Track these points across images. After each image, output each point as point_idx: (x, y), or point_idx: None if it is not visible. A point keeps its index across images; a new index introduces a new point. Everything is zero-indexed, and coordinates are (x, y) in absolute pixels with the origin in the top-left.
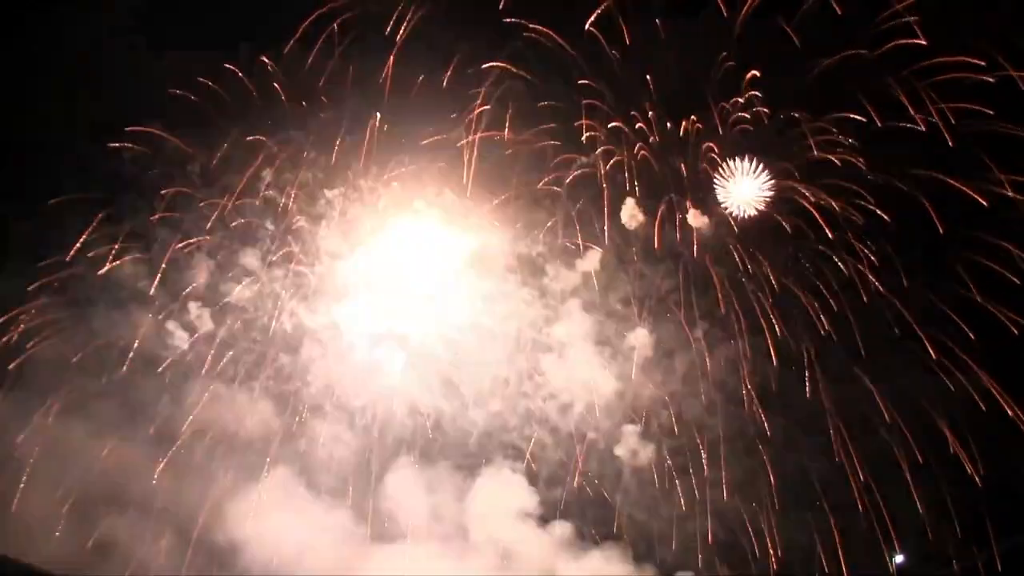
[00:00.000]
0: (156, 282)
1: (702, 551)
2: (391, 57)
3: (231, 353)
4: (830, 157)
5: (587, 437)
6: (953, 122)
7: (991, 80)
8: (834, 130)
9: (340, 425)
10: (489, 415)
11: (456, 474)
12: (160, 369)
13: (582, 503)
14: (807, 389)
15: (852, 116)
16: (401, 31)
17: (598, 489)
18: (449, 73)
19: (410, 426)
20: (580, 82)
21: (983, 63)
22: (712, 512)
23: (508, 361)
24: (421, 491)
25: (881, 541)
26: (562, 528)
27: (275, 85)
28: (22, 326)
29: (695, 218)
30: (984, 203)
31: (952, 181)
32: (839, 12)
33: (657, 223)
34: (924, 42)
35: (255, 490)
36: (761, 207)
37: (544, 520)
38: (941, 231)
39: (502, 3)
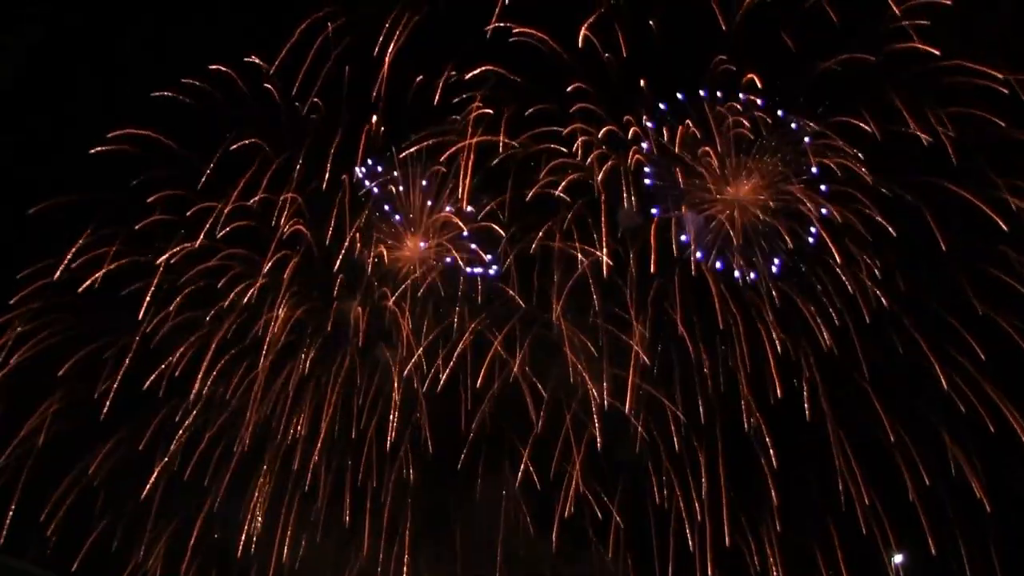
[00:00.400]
0: (152, 287)
1: (700, 565)
2: (386, 61)
3: (227, 358)
4: (830, 164)
5: (584, 443)
6: (952, 134)
7: (1004, 91)
8: (829, 133)
9: (337, 427)
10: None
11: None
12: (155, 374)
13: (580, 512)
14: (807, 409)
15: (853, 121)
16: (396, 36)
17: (597, 498)
18: (444, 78)
19: (406, 428)
20: (574, 86)
21: (999, 75)
22: (711, 526)
23: (505, 365)
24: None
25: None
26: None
27: (268, 87)
28: (19, 328)
29: (692, 222)
30: (1005, 227)
31: (954, 187)
32: (835, 18)
33: (653, 229)
34: (935, 51)
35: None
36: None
37: (542, 525)
38: (944, 248)
39: (497, 8)
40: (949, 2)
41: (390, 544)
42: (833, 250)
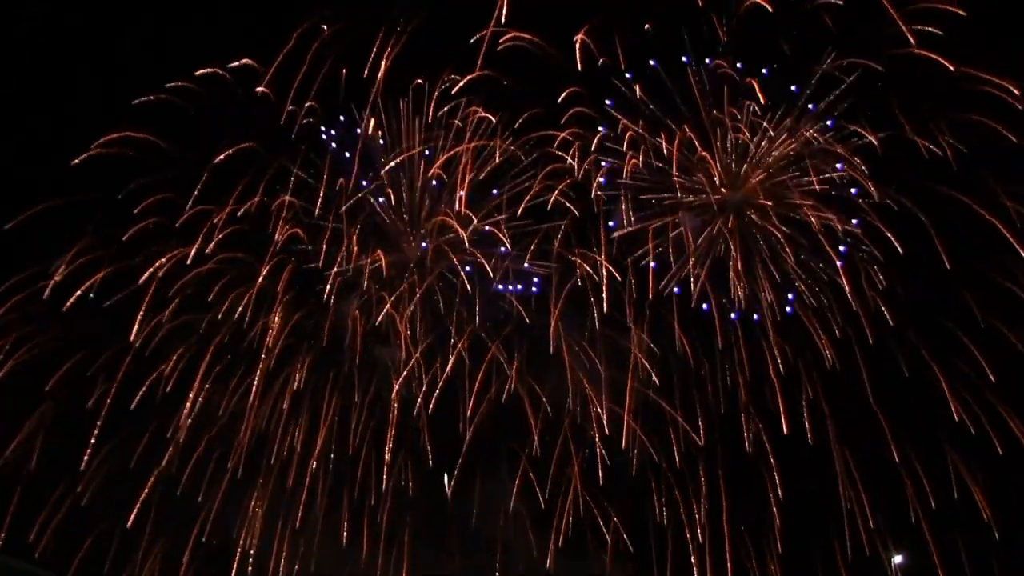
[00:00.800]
0: (149, 294)
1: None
2: (382, 66)
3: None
4: (831, 173)
5: (583, 454)
6: (960, 146)
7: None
8: (831, 142)
9: (335, 428)
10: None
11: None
12: (148, 383)
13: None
14: (808, 429)
15: (856, 129)
16: (393, 41)
17: (597, 502)
18: (440, 83)
19: (407, 427)
20: (570, 91)
21: (1016, 90)
22: (711, 542)
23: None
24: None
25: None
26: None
27: (265, 90)
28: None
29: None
30: (1022, 251)
31: (967, 200)
32: (838, 27)
33: (650, 235)
34: (943, 60)
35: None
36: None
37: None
38: (948, 265)
39: (495, 13)
40: (963, 12)
41: (388, 553)
42: (837, 263)
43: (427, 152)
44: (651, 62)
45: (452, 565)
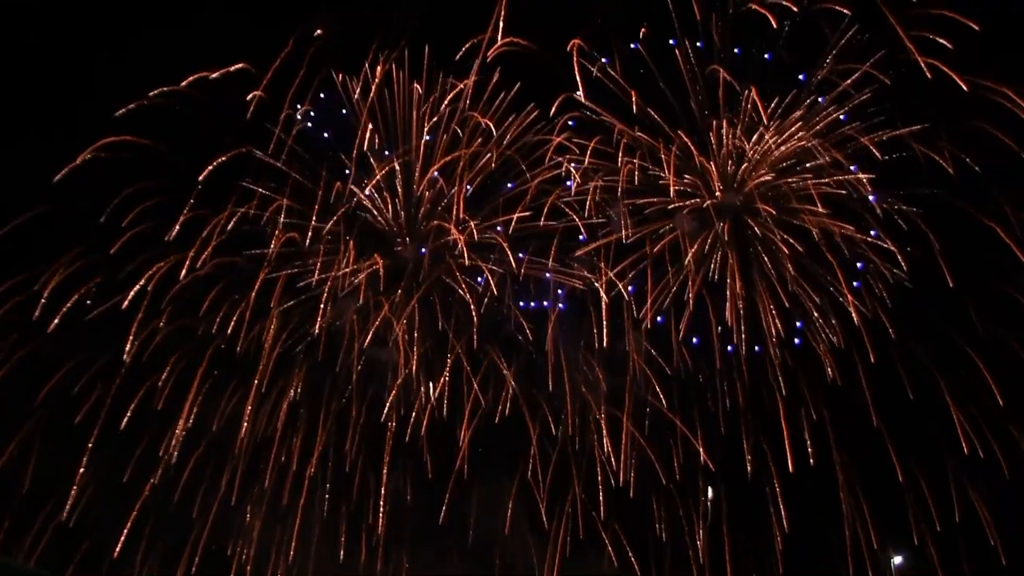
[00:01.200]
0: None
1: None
2: (379, 69)
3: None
4: (831, 183)
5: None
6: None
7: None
8: (833, 151)
9: (334, 432)
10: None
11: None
12: (143, 392)
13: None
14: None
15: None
16: (392, 44)
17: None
18: (439, 86)
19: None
20: (565, 96)
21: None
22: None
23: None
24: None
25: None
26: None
27: (261, 94)
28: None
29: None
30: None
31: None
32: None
33: (648, 243)
34: (951, 72)
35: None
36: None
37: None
38: (952, 283)
39: (492, 21)
40: (976, 27)
41: (386, 558)
42: (839, 275)
43: (426, 139)
44: (632, 45)
45: (451, 568)
